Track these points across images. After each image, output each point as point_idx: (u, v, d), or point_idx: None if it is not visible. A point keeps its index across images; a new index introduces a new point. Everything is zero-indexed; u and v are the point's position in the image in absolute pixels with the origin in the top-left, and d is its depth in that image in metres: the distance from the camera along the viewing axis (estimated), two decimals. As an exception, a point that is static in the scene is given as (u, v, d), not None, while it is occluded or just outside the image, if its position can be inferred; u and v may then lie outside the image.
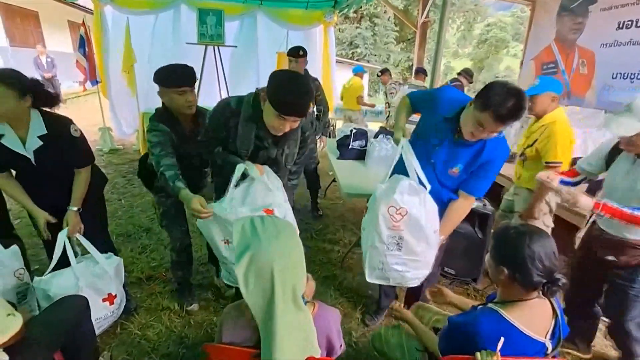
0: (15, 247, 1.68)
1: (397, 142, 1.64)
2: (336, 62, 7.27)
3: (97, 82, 5.42)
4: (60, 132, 1.69)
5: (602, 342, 2.16)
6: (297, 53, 3.24)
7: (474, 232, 2.57)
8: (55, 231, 1.73)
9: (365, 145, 3.22)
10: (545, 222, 2.36)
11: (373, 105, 7.28)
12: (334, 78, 6.85)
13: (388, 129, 3.90)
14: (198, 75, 4.94)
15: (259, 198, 1.54)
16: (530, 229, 1.09)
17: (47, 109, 1.69)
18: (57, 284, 1.65)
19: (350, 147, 3.43)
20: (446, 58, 32.32)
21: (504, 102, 1.30)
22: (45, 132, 1.63)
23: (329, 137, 6.54)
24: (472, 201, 1.67)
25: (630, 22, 3.05)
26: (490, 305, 1.15)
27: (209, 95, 5.31)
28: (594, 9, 3.38)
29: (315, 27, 6.41)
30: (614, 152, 1.68)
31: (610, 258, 1.67)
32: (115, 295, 1.85)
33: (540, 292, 1.07)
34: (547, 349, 1.10)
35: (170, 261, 2.17)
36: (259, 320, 0.99)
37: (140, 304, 2.25)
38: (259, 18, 6.06)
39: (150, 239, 3.05)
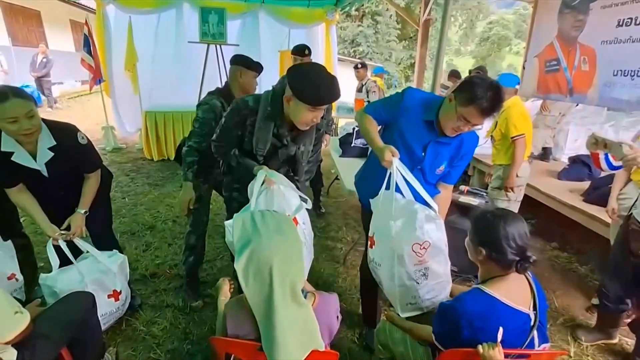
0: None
1: (384, 160, 1.50)
2: (338, 60, 7.27)
3: (100, 81, 5.44)
4: (68, 141, 1.71)
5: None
6: (303, 52, 3.23)
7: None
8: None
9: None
10: (517, 196, 2.88)
11: None
12: (337, 76, 6.85)
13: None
14: (200, 74, 4.98)
15: (284, 207, 1.48)
16: (504, 213, 1.21)
17: (48, 119, 1.70)
18: (63, 281, 1.68)
19: (352, 144, 3.44)
20: (448, 56, 32.19)
21: (486, 95, 1.36)
22: (55, 143, 1.66)
23: (331, 135, 6.57)
24: (452, 188, 1.80)
25: (629, 20, 3.05)
26: (472, 286, 1.26)
27: (211, 94, 5.32)
28: (594, 6, 3.38)
29: (317, 26, 6.42)
30: None
31: None
32: (120, 292, 1.87)
33: (515, 269, 1.17)
34: (531, 319, 1.16)
35: (187, 247, 2.20)
36: (258, 316, 1.01)
37: (145, 300, 2.28)
38: (260, 16, 6.08)
39: (154, 237, 3.08)
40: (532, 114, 3.93)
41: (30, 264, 2.07)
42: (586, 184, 3.19)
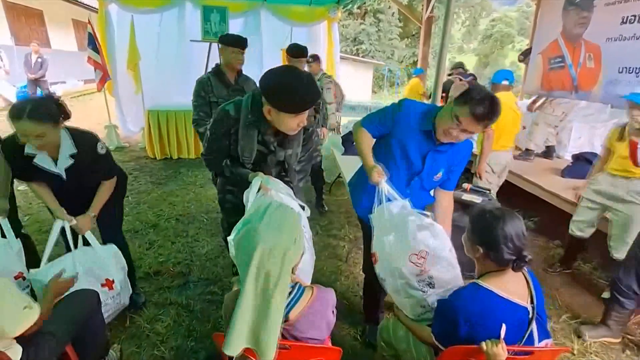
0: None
1: (371, 181, 1.56)
2: (340, 58, 7.26)
3: (108, 79, 5.46)
4: (88, 150, 1.76)
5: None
6: (303, 54, 3.23)
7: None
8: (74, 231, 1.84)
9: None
10: (488, 179, 3.24)
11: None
12: (339, 75, 6.84)
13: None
14: (202, 73, 5.01)
15: None
16: (502, 213, 1.21)
17: (71, 126, 1.76)
18: (53, 274, 1.61)
19: (354, 143, 3.43)
20: (451, 53, 32.02)
21: (482, 103, 1.39)
22: (75, 150, 1.71)
23: (328, 128, 6.56)
24: (452, 194, 1.82)
25: (633, 17, 3.04)
26: (469, 282, 1.28)
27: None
28: (598, 4, 3.37)
29: (319, 24, 6.41)
30: None
31: None
32: (113, 281, 1.86)
33: (511, 268, 1.18)
34: (529, 313, 1.16)
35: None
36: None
37: (149, 298, 2.29)
38: (262, 15, 6.07)
39: (157, 235, 3.09)
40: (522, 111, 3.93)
41: (32, 263, 2.08)
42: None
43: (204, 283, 2.47)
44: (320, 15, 6.26)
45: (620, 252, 2.35)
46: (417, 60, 7.28)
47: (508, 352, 1.08)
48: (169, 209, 3.63)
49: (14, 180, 1.89)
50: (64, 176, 1.74)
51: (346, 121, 5.42)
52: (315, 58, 3.94)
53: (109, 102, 5.78)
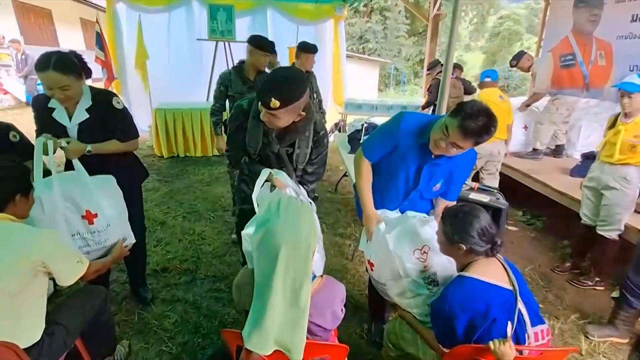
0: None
1: (368, 232, 1.61)
2: (346, 57, 7.24)
3: (114, 78, 5.51)
4: (103, 103, 1.74)
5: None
6: (314, 50, 3.36)
7: (487, 227, 2.55)
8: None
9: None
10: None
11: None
12: (345, 73, 6.83)
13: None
14: (209, 72, 5.03)
15: None
16: (471, 208, 1.31)
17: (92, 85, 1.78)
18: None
19: (361, 141, 3.44)
20: (458, 51, 31.77)
21: (473, 117, 1.33)
22: (91, 103, 1.70)
23: (340, 131, 6.55)
24: (454, 204, 1.77)
25: (643, 15, 3.02)
26: (454, 276, 1.36)
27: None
28: (609, 1, 3.33)
29: (326, 22, 6.40)
30: None
31: None
32: (96, 215, 1.63)
33: (486, 255, 1.29)
34: (515, 295, 1.22)
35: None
36: (255, 293, 1.06)
37: (156, 295, 2.31)
38: (269, 13, 6.08)
39: (164, 232, 3.12)
40: (514, 109, 4.07)
41: None
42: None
43: (211, 280, 2.48)
44: (326, 13, 6.25)
45: (606, 232, 2.45)
46: (424, 59, 7.22)
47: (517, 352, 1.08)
48: (176, 206, 3.65)
49: None
50: (75, 133, 1.71)
51: (352, 119, 5.41)
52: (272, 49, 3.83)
53: (117, 100, 5.83)
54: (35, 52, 9.21)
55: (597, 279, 2.59)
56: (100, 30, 5.25)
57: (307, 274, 1.05)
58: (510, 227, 3.56)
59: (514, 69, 4.49)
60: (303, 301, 1.04)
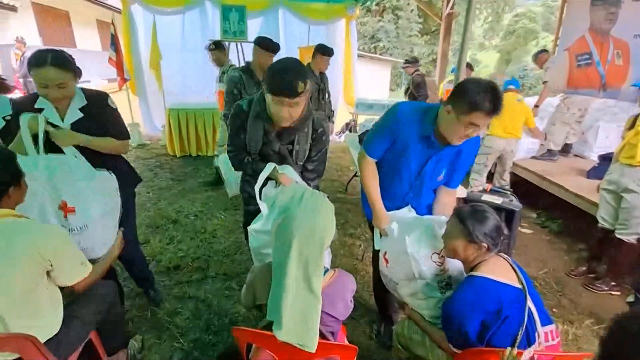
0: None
1: (380, 228, 1.61)
2: (358, 56, 7.21)
3: (126, 80, 5.62)
4: (98, 103, 1.69)
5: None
6: (330, 53, 3.42)
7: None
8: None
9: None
10: (479, 160, 3.74)
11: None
12: (356, 73, 6.81)
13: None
14: (221, 72, 5.03)
15: None
16: (482, 207, 1.31)
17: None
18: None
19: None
20: (472, 50, 31.39)
21: (487, 97, 1.32)
22: (85, 102, 1.64)
23: (350, 131, 6.54)
24: (455, 192, 1.78)
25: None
26: (464, 277, 1.35)
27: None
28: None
29: (337, 22, 6.39)
30: None
31: None
32: (73, 209, 1.51)
33: (497, 251, 1.29)
34: (525, 293, 1.21)
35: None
36: (273, 277, 1.10)
37: (169, 292, 2.35)
38: (280, 13, 6.10)
39: (177, 231, 3.17)
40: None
41: None
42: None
43: (222, 279, 2.51)
44: (338, 12, 6.23)
45: (623, 235, 2.40)
46: (437, 58, 7.16)
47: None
48: (188, 205, 3.71)
49: None
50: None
51: (363, 119, 5.39)
52: (218, 45, 3.71)
53: (131, 100, 5.94)
54: (54, 53, 9.42)
55: (613, 283, 2.53)
56: (115, 31, 5.36)
57: (319, 264, 1.08)
58: (523, 230, 3.50)
59: (529, 69, 4.48)
60: (316, 289, 1.07)
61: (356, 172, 4.21)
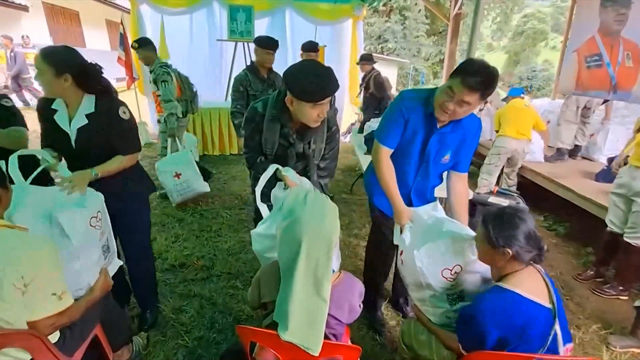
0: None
1: (400, 224, 1.59)
2: (364, 56, 7.19)
3: (134, 79, 5.68)
4: (107, 112, 1.62)
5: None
6: (316, 49, 3.38)
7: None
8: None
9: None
10: (490, 160, 3.90)
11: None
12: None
13: None
14: (228, 72, 5.11)
15: None
16: (515, 209, 1.20)
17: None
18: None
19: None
20: (479, 51, 31.17)
21: (477, 72, 1.35)
22: (93, 110, 1.59)
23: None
24: (466, 177, 1.76)
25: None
26: (490, 285, 1.25)
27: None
28: (636, 0, 3.20)
29: (344, 22, 6.38)
30: None
31: None
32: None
33: (532, 263, 1.19)
34: (553, 314, 1.14)
35: None
36: (282, 278, 1.10)
37: (174, 289, 2.37)
38: (287, 14, 6.12)
39: (182, 229, 3.19)
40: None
41: None
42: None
43: (226, 277, 2.52)
44: (344, 13, 6.23)
45: (632, 239, 2.35)
46: (444, 59, 7.12)
47: None
48: (193, 204, 3.72)
49: None
50: (73, 138, 1.59)
51: (369, 120, 5.36)
52: (142, 43, 3.40)
53: (139, 99, 5.99)
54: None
55: (621, 288, 2.50)
56: (124, 31, 5.41)
57: (328, 266, 1.07)
58: (530, 232, 3.47)
59: (538, 70, 4.50)
60: (324, 292, 1.06)
61: (362, 174, 4.20)
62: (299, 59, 5.85)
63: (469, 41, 2.47)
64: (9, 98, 1.96)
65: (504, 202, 2.28)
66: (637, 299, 2.18)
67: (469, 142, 1.66)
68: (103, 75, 1.65)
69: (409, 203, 1.74)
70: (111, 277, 1.58)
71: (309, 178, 1.73)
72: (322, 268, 1.06)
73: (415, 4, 21.54)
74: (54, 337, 1.25)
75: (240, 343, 1.23)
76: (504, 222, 1.17)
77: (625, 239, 2.38)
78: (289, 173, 1.58)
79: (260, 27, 5.83)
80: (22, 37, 8.63)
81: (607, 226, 2.55)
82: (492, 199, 2.31)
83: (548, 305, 1.14)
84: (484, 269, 1.36)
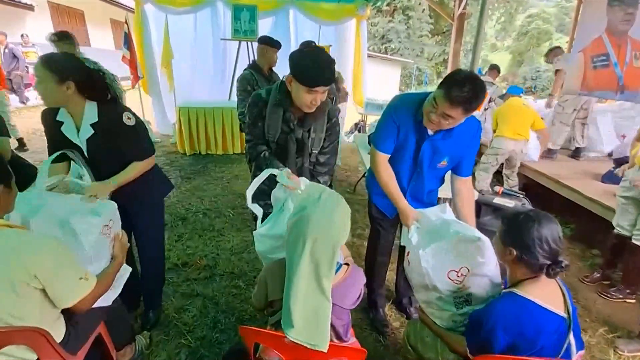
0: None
1: (405, 224, 1.60)
2: (368, 56, 7.18)
3: (139, 78, 5.69)
4: (111, 120, 1.57)
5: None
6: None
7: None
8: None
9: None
10: (487, 160, 3.88)
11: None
12: (365, 73, 6.78)
13: None
14: (231, 71, 5.11)
15: None
16: (538, 214, 1.16)
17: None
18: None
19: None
20: (483, 51, 31.00)
21: (460, 85, 1.31)
22: (96, 119, 1.54)
23: (359, 132, 6.52)
24: (470, 180, 1.73)
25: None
26: (503, 291, 1.22)
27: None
28: (644, 0, 3.17)
29: (347, 22, 6.37)
30: None
31: None
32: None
33: (545, 273, 1.13)
34: (566, 322, 1.11)
35: None
36: (287, 272, 1.09)
37: (176, 288, 2.36)
38: (291, 13, 6.12)
39: (185, 228, 3.18)
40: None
41: None
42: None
43: (229, 277, 2.52)
44: (348, 12, 6.22)
45: None
46: (447, 58, 7.08)
47: None
48: (197, 203, 3.73)
49: None
50: (85, 149, 1.58)
51: (373, 120, 5.36)
52: (61, 37, 3.19)
53: (143, 98, 6.00)
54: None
55: (628, 291, 2.46)
56: (129, 30, 5.42)
57: (331, 267, 1.06)
58: (535, 234, 3.44)
59: (542, 70, 4.52)
60: (326, 290, 1.06)
61: (365, 173, 4.19)
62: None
63: (474, 41, 2.46)
64: None
65: (509, 203, 2.25)
66: None
67: (468, 145, 1.63)
68: (107, 81, 1.61)
69: None
70: (124, 282, 1.57)
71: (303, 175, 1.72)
72: (324, 267, 1.05)
73: (419, 4, 21.49)
74: (59, 336, 1.25)
75: (243, 343, 1.22)
76: (518, 222, 1.16)
77: (634, 241, 2.34)
78: (282, 180, 1.55)
79: (264, 27, 5.83)
80: (22, 35, 8.63)
81: (613, 228, 2.52)
82: (497, 200, 2.29)
83: (563, 314, 1.11)
84: (493, 272, 1.33)
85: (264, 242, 1.46)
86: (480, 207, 2.33)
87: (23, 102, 8.41)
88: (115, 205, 1.52)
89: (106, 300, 1.43)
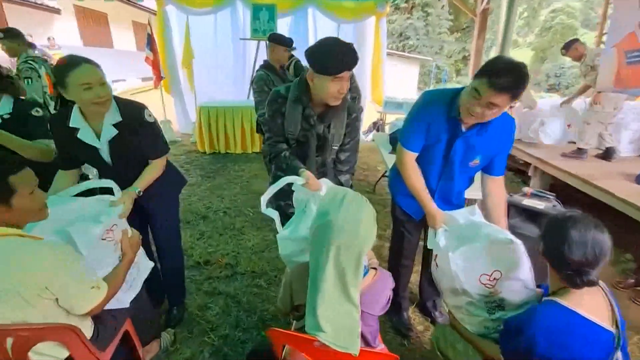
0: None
1: (435, 228, 1.54)
2: (386, 54, 7.10)
3: (162, 78, 5.82)
4: (133, 117, 1.55)
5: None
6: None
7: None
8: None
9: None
10: None
11: None
12: (385, 71, 6.71)
13: None
14: (251, 70, 5.13)
15: None
16: (580, 215, 1.05)
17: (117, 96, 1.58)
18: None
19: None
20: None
21: (504, 71, 1.26)
22: (120, 119, 1.51)
23: (377, 130, 6.45)
24: (502, 180, 1.66)
25: None
26: (545, 298, 1.12)
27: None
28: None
29: (367, 19, 6.32)
30: None
31: None
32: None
33: (567, 283, 1.05)
34: (615, 338, 1.03)
35: None
36: (310, 276, 1.06)
37: (199, 286, 2.38)
38: (310, 12, 6.11)
39: (207, 226, 3.22)
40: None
41: None
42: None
43: (251, 276, 2.53)
44: (367, 10, 6.16)
45: None
46: (467, 55, 6.92)
47: None
48: (217, 201, 3.76)
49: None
50: (106, 155, 1.56)
51: (394, 118, 5.29)
52: (7, 33, 3.04)
53: (164, 98, 6.12)
54: (93, 53, 9.90)
55: None
56: (151, 31, 5.53)
57: (357, 273, 1.03)
58: (563, 236, 3.31)
59: (566, 67, 4.32)
60: (353, 297, 1.03)
61: (385, 172, 4.13)
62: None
63: (502, 37, 2.38)
64: (40, 107, 1.96)
65: (539, 205, 2.17)
66: None
67: (503, 143, 1.57)
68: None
69: None
70: (146, 277, 1.60)
71: (325, 174, 1.71)
72: (350, 275, 1.02)
73: (439, 0, 21.11)
74: (88, 332, 1.27)
75: (266, 343, 1.22)
76: (553, 224, 1.08)
77: None
78: (299, 189, 1.53)
79: (283, 26, 5.85)
80: (48, 38, 8.91)
81: None
82: (527, 202, 2.20)
83: (611, 329, 1.03)
84: (527, 277, 1.27)
85: (287, 246, 1.45)
86: (509, 208, 2.24)
87: None
88: (119, 209, 1.47)
89: (122, 302, 1.46)
